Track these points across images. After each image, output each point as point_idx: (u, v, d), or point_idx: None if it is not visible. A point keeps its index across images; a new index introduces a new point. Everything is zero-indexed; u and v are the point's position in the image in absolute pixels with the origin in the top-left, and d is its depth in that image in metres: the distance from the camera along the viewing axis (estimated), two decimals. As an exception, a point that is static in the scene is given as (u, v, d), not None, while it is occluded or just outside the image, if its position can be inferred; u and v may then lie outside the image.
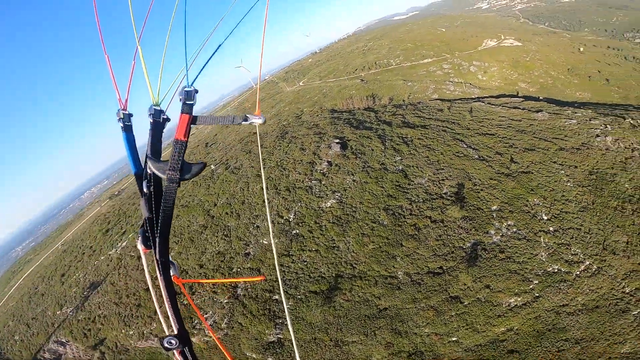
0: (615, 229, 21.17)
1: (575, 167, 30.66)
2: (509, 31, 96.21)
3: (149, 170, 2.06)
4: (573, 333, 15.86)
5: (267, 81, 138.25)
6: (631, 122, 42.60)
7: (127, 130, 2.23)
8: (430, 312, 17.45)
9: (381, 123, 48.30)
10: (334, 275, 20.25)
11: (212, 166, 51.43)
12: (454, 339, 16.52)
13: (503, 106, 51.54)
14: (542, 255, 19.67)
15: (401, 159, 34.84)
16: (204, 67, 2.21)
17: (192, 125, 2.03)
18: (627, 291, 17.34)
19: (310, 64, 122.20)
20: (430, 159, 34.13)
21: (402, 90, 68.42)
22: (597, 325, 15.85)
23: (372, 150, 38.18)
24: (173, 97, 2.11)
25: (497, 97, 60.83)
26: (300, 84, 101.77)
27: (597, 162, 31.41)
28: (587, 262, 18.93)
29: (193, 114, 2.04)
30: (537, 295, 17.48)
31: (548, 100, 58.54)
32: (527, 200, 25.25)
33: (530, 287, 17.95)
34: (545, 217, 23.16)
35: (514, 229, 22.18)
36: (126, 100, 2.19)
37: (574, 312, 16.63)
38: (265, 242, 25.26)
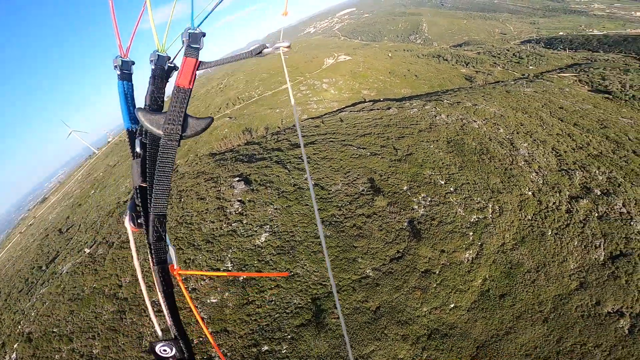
0: (488, 174, 27.62)
1: (436, 140, 38.24)
2: (338, 49, 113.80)
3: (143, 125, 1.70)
4: (528, 264, 19.81)
5: (114, 143, 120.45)
6: (448, 102, 56.25)
7: (125, 78, 1.90)
8: (417, 292, 18.55)
9: (271, 151, 48.75)
10: (310, 300, 19.05)
11: (86, 250, 41.48)
12: (452, 305, 18.03)
13: (362, 111, 59.98)
14: (460, 212, 23.77)
15: (309, 176, 35.94)
16: (213, 9, 2.01)
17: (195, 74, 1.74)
18: (529, 218, 22.87)
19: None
20: (334, 167, 36.47)
21: (273, 118, 71.18)
22: (537, 252, 20.35)
23: (278, 176, 38.09)
24: (183, 46, 1.80)
25: (353, 105, 70.65)
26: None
27: (447, 133, 39.99)
28: (490, 205, 24.01)
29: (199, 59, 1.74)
30: (480, 243, 21.06)
31: (387, 99, 71.57)
32: (424, 174, 29.99)
33: (471, 239, 21.44)
34: (443, 182, 28.04)
35: (429, 199, 26.00)
36: (128, 48, 1.93)
37: (513, 247, 20.83)
38: (214, 301, 21.57)
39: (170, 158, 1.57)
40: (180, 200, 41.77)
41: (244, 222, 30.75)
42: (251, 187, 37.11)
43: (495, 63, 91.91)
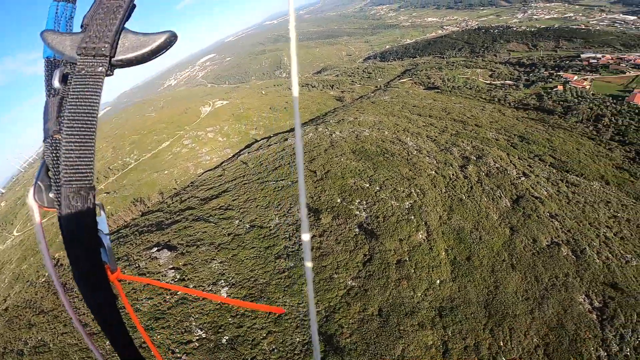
0: (398, 167, 33.24)
1: (343, 153, 43.20)
2: (210, 96, 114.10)
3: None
4: (468, 226, 24.71)
5: None
6: (333, 121, 63.76)
7: None
8: (404, 282, 20.78)
9: (181, 212, 45.59)
10: (310, 333, 19.13)
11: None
12: (438, 282, 20.84)
13: (260, 149, 61.92)
14: (394, 203, 27.85)
15: (241, 220, 35.40)
16: None
17: None
18: (444, 191, 28.49)
19: (9, 206, 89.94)
20: (261, 205, 36.90)
21: (165, 181, 66.23)
22: (467, 215, 25.41)
23: (205, 231, 36.08)
24: None
25: (248, 146, 71.75)
26: (16, 233, 73.96)
27: (348, 145, 45.59)
28: (413, 190, 28.95)
29: None
30: (424, 222, 25.15)
31: (277, 133, 75.46)
32: (349, 184, 33.68)
33: (416, 222, 25.39)
34: (368, 185, 32.18)
35: (364, 202, 29.50)
36: None
37: (448, 217, 25.56)
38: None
39: (92, 94, 1.08)
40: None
41: (192, 286, 28.01)
42: (180, 252, 33.93)
43: (353, 81, 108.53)
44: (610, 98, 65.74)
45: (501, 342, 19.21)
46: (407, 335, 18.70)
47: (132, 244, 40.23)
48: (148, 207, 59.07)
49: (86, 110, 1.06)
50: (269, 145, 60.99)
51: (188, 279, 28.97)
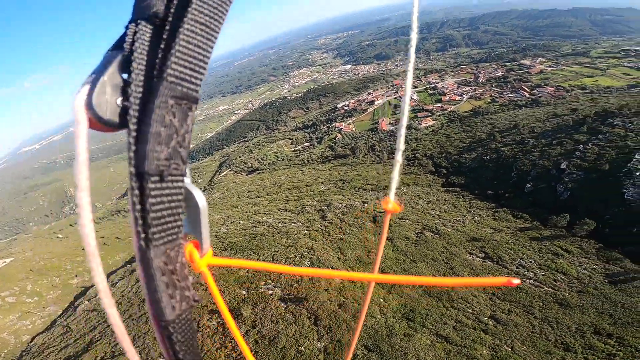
0: (276, 242, 39.25)
1: (215, 255, 45.15)
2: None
3: None
4: (362, 253, 32.54)
5: None
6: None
7: None
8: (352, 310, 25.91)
9: None
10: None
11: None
12: (382, 300, 26.80)
13: (113, 285, 53.10)
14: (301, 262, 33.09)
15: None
16: None
17: None
18: (325, 240, 36.07)
19: None
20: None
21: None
22: (355, 246, 32.78)
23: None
24: None
25: (81, 296, 58.44)
26: None
27: (214, 247, 47.61)
28: (302, 252, 35.25)
29: None
30: (331, 267, 31.46)
31: (114, 270, 65.21)
32: (242, 276, 36.49)
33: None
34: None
35: (270, 281, 33.31)
36: None
37: (345, 254, 32.78)
38: None
39: None
40: None
41: None
42: None
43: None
44: (370, 131, 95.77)
45: (469, 310, 25.30)
46: (408, 347, 22.34)
47: None
48: None
49: None
50: (115, 284, 53.51)
51: None
